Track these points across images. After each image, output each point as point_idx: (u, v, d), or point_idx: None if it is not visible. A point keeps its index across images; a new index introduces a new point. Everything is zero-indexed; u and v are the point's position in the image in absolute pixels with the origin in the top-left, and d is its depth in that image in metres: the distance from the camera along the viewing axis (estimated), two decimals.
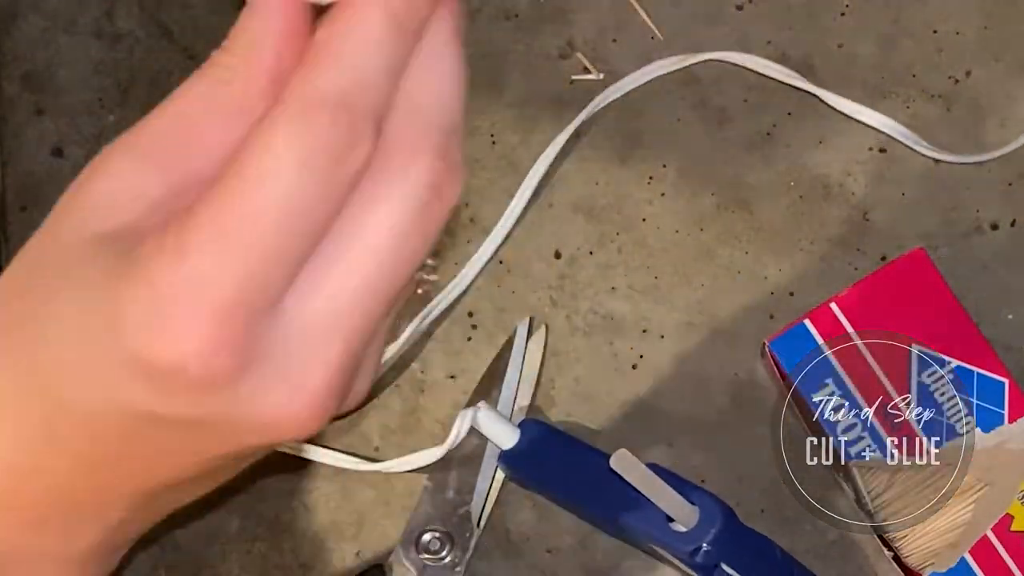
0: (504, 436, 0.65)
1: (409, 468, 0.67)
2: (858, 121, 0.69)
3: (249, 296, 0.33)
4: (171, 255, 0.32)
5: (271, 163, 0.32)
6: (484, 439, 0.66)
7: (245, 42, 0.34)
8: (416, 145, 0.33)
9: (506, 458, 0.65)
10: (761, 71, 0.70)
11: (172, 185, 0.35)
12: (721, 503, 0.60)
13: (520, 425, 0.65)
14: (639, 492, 0.59)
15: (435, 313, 0.69)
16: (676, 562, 0.61)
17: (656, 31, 0.72)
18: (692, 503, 0.59)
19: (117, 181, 0.35)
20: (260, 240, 0.32)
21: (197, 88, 0.36)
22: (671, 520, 0.59)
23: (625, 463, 0.57)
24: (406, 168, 0.33)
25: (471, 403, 0.67)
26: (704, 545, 0.59)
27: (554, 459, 0.65)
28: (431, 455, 0.66)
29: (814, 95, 0.70)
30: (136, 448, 0.37)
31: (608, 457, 0.59)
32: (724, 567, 0.60)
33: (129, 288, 0.33)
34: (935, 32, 0.71)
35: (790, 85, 0.70)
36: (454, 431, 0.65)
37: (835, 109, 0.69)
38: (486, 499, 0.66)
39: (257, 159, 0.32)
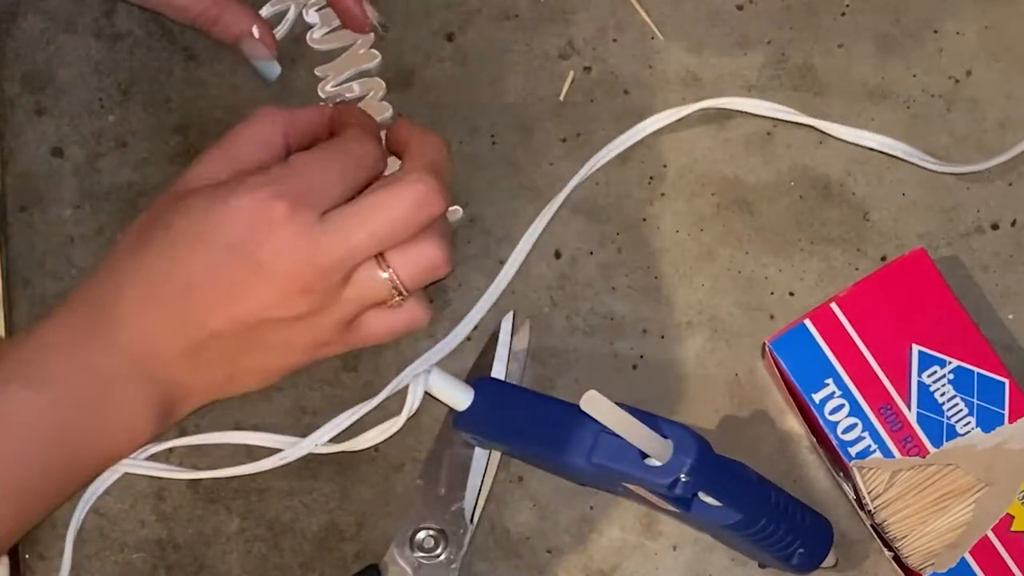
0: (458, 397, 0.63)
1: (368, 445, 0.67)
2: (858, 145, 0.69)
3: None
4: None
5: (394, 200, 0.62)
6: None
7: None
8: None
9: (464, 419, 0.63)
10: (766, 114, 0.69)
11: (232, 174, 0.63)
12: (694, 433, 0.58)
13: (474, 384, 0.63)
14: (611, 432, 0.58)
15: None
16: (655, 499, 0.60)
17: (656, 31, 0.72)
18: (665, 436, 0.58)
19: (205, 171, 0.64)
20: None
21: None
22: (646, 456, 0.58)
23: (595, 403, 0.56)
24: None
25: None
26: (681, 477, 0.58)
27: (516, 413, 0.63)
28: (389, 428, 0.66)
29: (815, 128, 0.70)
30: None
31: (570, 405, 0.58)
32: (702, 497, 0.60)
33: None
34: (935, 32, 0.71)
35: (796, 123, 0.69)
36: (409, 398, 0.64)
37: (835, 137, 0.69)
38: (478, 495, 0.66)
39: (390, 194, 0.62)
